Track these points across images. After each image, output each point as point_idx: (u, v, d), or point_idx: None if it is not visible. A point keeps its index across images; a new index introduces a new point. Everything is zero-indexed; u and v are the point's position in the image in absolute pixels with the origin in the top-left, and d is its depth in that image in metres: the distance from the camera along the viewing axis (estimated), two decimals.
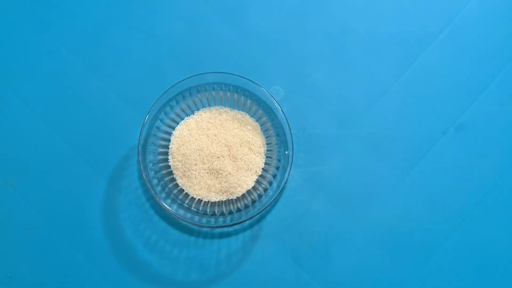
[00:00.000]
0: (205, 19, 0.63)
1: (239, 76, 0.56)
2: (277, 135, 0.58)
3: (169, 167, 0.58)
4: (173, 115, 0.59)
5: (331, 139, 0.61)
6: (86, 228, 0.60)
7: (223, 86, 0.58)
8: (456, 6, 0.62)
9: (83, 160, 0.61)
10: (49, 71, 0.62)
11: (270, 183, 0.58)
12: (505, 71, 0.61)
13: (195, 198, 0.58)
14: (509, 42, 0.62)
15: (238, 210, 0.58)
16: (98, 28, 0.63)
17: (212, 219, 0.58)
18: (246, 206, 0.58)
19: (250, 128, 0.58)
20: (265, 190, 0.58)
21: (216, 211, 0.58)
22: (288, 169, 0.56)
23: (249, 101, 0.58)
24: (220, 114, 0.59)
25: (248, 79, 0.56)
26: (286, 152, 0.57)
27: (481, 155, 0.61)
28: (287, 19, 0.63)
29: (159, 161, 0.58)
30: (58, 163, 0.61)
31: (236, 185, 0.57)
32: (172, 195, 0.58)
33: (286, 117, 0.56)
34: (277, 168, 0.58)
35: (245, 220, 0.55)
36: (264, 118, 0.58)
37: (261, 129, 0.59)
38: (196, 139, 0.58)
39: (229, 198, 0.58)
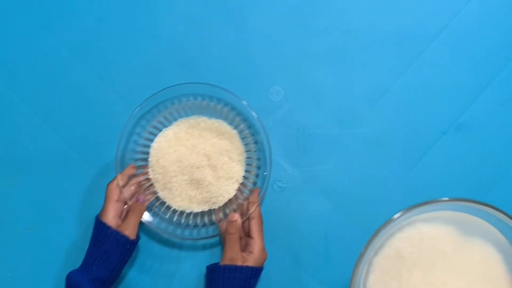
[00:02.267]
0: (205, 20, 0.63)
1: (214, 86, 0.56)
2: (255, 142, 0.58)
3: (149, 180, 0.58)
4: (150, 128, 0.58)
5: (331, 139, 0.61)
6: (86, 228, 0.60)
7: (199, 96, 0.57)
8: (456, 6, 0.62)
9: (83, 160, 0.61)
10: (49, 71, 0.62)
11: (251, 191, 0.58)
12: (505, 71, 0.61)
13: (177, 210, 0.57)
14: (509, 42, 0.62)
15: (220, 220, 0.57)
16: (98, 28, 0.63)
17: (195, 231, 0.57)
18: (226, 215, 0.57)
19: (228, 136, 0.57)
20: (246, 198, 0.57)
21: (198, 222, 0.57)
22: (268, 177, 0.56)
23: (225, 109, 0.58)
24: (198, 123, 0.58)
25: (222, 88, 0.56)
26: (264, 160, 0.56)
27: (481, 155, 0.61)
28: (287, 19, 0.63)
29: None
30: (58, 163, 0.61)
31: (217, 194, 0.57)
32: (153, 209, 0.57)
33: (263, 125, 0.56)
34: (257, 175, 0.58)
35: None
36: (241, 126, 0.58)
37: (239, 136, 0.58)
38: (175, 151, 0.57)
39: (211, 208, 0.58)
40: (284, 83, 0.62)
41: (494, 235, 0.43)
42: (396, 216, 0.42)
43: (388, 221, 0.42)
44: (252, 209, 0.55)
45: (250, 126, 0.58)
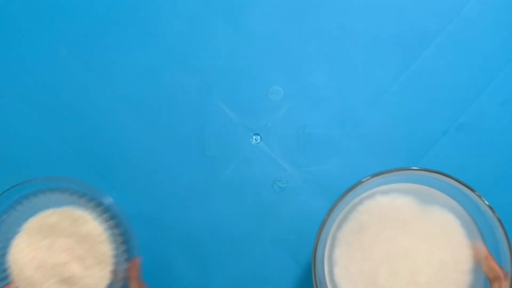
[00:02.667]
0: (205, 19, 0.63)
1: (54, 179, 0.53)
2: (113, 217, 0.53)
3: None
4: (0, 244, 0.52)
5: (331, 139, 0.61)
6: None
7: (32, 195, 0.53)
8: (456, 6, 0.62)
9: (82, 160, 0.61)
10: (49, 71, 0.62)
11: (128, 268, 0.53)
12: (505, 71, 0.61)
13: None
14: (509, 42, 0.62)
15: None
16: (98, 28, 0.63)
17: None
18: None
19: (83, 221, 0.52)
20: (122, 279, 0.52)
21: None
22: (137, 247, 0.53)
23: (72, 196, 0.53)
24: (46, 218, 0.52)
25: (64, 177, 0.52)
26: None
27: (482, 155, 0.60)
28: (287, 19, 0.63)
29: None
30: (57, 163, 0.61)
31: (93, 284, 0.51)
32: None
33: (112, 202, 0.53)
34: (126, 250, 0.53)
35: None
36: (93, 203, 0.53)
37: (96, 215, 0.53)
38: (33, 257, 0.51)
39: None
40: (284, 83, 0.62)
41: (450, 202, 0.45)
42: (351, 188, 0.43)
43: (345, 193, 0.43)
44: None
45: (99, 203, 0.53)
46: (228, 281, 0.59)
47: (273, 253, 0.59)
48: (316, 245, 0.43)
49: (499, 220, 0.42)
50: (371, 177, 0.43)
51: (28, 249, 0.52)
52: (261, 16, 0.63)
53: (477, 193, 0.43)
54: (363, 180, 0.43)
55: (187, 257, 0.60)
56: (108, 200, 0.53)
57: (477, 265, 0.44)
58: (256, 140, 0.61)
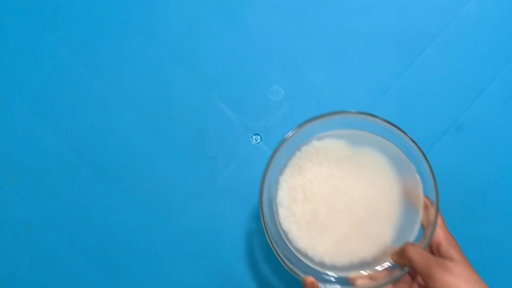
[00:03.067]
0: (205, 19, 0.63)
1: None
2: None
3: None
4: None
5: None
6: (86, 228, 0.60)
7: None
8: (456, 6, 0.62)
9: (82, 160, 0.61)
10: (49, 71, 0.62)
11: None
12: (506, 71, 0.61)
13: None
14: (509, 42, 0.62)
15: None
16: (98, 28, 0.63)
17: None
18: None
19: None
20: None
21: None
22: None
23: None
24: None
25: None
26: None
27: (482, 155, 0.60)
28: (287, 19, 0.63)
29: None
30: (57, 163, 0.61)
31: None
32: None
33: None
34: None
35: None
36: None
37: None
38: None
39: None
40: (284, 83, 0.62)
41: (382, 143, 0.50)
42: (288, 135, 0.48)
43: (282, 141, 0.48)
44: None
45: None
46: (228, 281, 0.59)
47: (273, 253, 0.59)
48: (262, 190, 0.48)
49: (422, 153, 0.47)
50: (307, 123, 0.48)
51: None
52: (261, 16, 0.63)
53: (401, 129, 0.47)
54: (300, 126, 0.48)
55: (187, 257, 0.60)
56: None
57: (407, 198, 0.48)
58: (256, 140, 0.61)
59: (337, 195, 0.50)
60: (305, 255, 0.49)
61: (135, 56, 0.62)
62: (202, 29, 0.63)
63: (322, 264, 0.49)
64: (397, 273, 0.46)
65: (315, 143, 0.51)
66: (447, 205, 0.60)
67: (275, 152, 0.48)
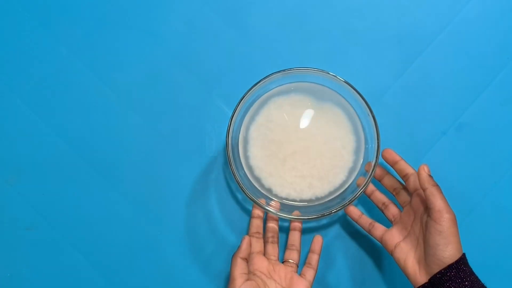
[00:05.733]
0: (206, 19, 0.63)
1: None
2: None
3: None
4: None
5: None
6: (86, 228, 0.60)
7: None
8: (456, 6, 0.62)
9: (82, 159, 0.61)
10: (49, 71, 0.62)
11: None
12: (505, 71, 0.61)
13: None
14: (509, 42, 0.62)
15: None
16: (98, 28, 0.63)
17: None
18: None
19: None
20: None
21: None
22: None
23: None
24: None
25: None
26: None
27: (482, 155, 0.60)
28: (287, 19, 0.63)
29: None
30: (58, 163, 0.61)
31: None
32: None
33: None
34: None
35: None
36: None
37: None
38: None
39: None
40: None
41: (339, 99, 0.58)
42: (255, 84, 0.55)
43: (251, 88, 0.55)
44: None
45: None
46: (228, 281, 0.59)
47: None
48: (228, 142, 0.54)
49: (369, 107, 0.54)
50: (272, 75, 0.55)
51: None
52: (261, 16, 0.63)
53: (352, 86, 0.55)
54: (264, 78, 0.55)
55: (187, 257, 0.60)
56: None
57: (358, 148, 0.57)
58: None
59: (301, 145, 0.57)
60: (266, 188, 0.57)
61: (135, 56, 0.62)
62: (202, 29, 0.63)
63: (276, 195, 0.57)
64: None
65: (282, 96, 0.58)
66: None
67: (241, 100, 0.55)
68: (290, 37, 0.62)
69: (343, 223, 0.60)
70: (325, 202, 0.57)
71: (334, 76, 0.55)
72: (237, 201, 0.60)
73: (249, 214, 0.60)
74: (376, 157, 0.54)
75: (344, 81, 0.54)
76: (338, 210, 0.54)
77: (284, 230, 0.59)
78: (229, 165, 0.54)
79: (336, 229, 0.60)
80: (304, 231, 0.59)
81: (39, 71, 0.62)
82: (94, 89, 0.62)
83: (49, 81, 0.62)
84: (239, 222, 0.60)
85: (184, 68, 0.62)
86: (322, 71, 0.55)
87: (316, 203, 0.57)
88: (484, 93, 0.61)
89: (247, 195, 0.54)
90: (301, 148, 0.57)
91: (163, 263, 0.60)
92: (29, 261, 0.60)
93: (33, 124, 0.62)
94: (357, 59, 0.62)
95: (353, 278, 0.59)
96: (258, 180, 0.57)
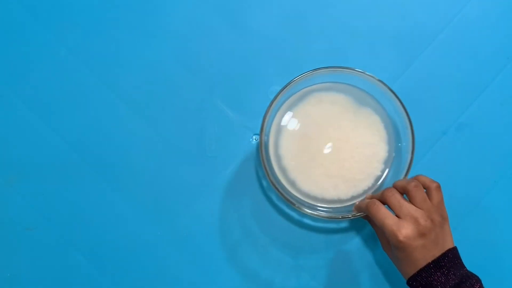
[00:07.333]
0: (206, 20, 0.63)
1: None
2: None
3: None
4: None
5: None
6: (86, 228, 0.60)
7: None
8: (456, 6, 0.62)
9: (82, 160, 0.61)
10: (49, 71, 0.62)
11: None
12: (505, 71, 0.61)
13: None
14: (509, 42, 0.62)
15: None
16: (98, 29, 0.63)
17: None
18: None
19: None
20: None
21: None
22: None
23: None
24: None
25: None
26: None
27: (482, 155, 0.61)
28: (287, 19, 0.63)
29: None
30: (58, 163, 0.61)
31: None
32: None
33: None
34: None
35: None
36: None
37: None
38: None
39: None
40: (284, 83, 0.62)
41: (377, 106, 0.57)
42: (295, 79, 0.54)
43: (287, 85, 0.54)
44: None
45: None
46: (229, 281, 0.59)
47: (273, 252, 0.59)
48: (263, 128, 0.54)
49: (410, 123, 0.54)
50: (314, 71, 0.54)
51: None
52: (261, 16, 0.63)
53: (399, 98, 0.54)
54: (306, 73, 0.54)
55: (187, 257, 0.60)
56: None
57: (389, 158, 0.57)
58: (256, 140, 0.61)
59: (335, 145, 0.56)
60: (291, 180, 0.56)
61: (135, 56, 0.62)
62: (203, 30, 0.63)
63: (303, 193, 0.57)
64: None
65: (323, 93, 0.57)
66: (447, 205, 0.60)
67: (280, 92, 0.54)
68: (291, 37, 0.62)
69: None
70: (346, 206, 0.56)
71: (384, 84, 0.54)
72: (237, 201, 0.60)
73: (248, 213, 0.60)
74: (407, 170, 0.53)
75: (392, 92, 0.54)
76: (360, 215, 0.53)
77: (290, 230, 0.60)
78: (260, 151, 0.54)
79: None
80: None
81: (39, 72, 0.62)
82: (94, 90, 0.62)
83: (49, 81, 0.62)
84: (239, 222, 0.60)
85: (184, 68, 0.62)
86: (373, 76, 0.54)
87: (338, 205, 0.56)
88: (484, 93, 0.61)
89: (272, 184, 0.54)
90: (333, 147, 0.56)
91: (163, 264, 0.60)
92: (29, 261, 0.60)
93: (33, 125, 0.62)
94: (357, 59, 0.62)
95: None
96: (284, 170, 0.56)
